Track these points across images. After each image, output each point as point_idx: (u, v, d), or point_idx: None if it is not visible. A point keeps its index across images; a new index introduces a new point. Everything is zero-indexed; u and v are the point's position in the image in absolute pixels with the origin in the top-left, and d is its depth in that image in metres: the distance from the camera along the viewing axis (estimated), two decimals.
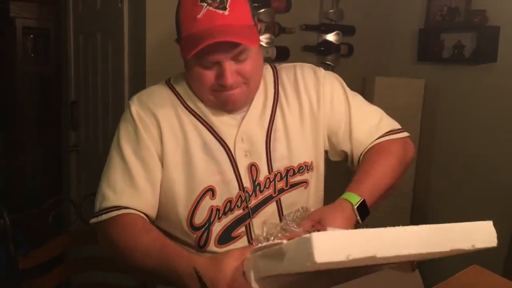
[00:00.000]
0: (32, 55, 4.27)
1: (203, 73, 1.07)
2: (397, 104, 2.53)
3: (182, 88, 1.19)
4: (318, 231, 0.95)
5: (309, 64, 1.27)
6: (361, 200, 1.06)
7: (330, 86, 1.23)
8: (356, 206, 1.05)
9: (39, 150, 4.27)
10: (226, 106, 1.13)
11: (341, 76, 2.55)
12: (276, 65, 1.27)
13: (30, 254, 1.46)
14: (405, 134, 1.25)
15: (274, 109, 1.19)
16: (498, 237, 0.75)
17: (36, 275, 1.48)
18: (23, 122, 4.23)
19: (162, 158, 1.12)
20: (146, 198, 1.10)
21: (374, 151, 1.19)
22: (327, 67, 2.52)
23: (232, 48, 1.03)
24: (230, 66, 1.05)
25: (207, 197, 1.11)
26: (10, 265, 1.43)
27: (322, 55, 2.52)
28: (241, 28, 1.04)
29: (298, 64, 1.26)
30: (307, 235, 0.63)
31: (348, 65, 2.57)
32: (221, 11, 1.02)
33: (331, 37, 2.49)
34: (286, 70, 1.25)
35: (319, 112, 1.20)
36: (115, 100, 2.34)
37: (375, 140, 1.21)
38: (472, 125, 2.49)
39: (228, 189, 1.12)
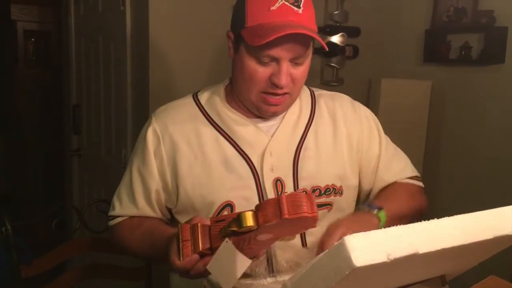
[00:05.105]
0: (33, 58, 4.26)
1: (258, 69, 1.07)
2: (403, 106, 2.50)
3: (206, 99, 1.20)
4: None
5: (346, 96, 1.31)
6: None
7: (367, 123, 1.27)
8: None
9: (40, 154, 4.26)
10: (266, 111, 1.13)
11: (346, 78, 2.54)
12: (314, 90, 1.29)
13: (33, 263, 1.43)
14: (422, 184, 1.33)
15: (307, 129, 1.19)
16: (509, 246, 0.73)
17: (38, 283, 1.45)
18: (24, 125, 4.22)
19: (176, 176, 1.14)
20: (145, 213, 1.19)
21: (393, 187, 1.26)
22: (332, 69, 2.50)
23: (298, 48, 1.04)
24: (287, 67, 1.05)
25: (225, 213, 1.10)
26: (12, 273, 1.40)
27: (327, 57, 2.49)
28: (312, 30, 1.05)
29: (336, 94, 1.29)
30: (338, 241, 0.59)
31: (354, 67, 2.54)
32: (296, 8, 1.03)
33: (336, 38, 2.46)
34: (324, 97, 1.27)
35: (357, 146, 1.23)
36: (117, 103, 2.31)
37: (396, 180, 1.28)
38: (479, 127, 2.45)
39: (249, 205, 1.08)
